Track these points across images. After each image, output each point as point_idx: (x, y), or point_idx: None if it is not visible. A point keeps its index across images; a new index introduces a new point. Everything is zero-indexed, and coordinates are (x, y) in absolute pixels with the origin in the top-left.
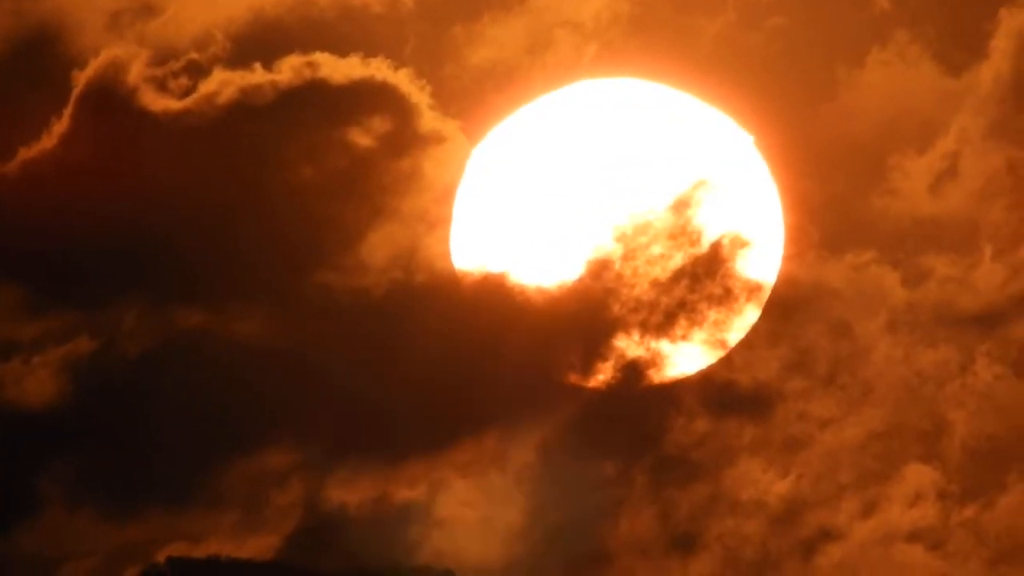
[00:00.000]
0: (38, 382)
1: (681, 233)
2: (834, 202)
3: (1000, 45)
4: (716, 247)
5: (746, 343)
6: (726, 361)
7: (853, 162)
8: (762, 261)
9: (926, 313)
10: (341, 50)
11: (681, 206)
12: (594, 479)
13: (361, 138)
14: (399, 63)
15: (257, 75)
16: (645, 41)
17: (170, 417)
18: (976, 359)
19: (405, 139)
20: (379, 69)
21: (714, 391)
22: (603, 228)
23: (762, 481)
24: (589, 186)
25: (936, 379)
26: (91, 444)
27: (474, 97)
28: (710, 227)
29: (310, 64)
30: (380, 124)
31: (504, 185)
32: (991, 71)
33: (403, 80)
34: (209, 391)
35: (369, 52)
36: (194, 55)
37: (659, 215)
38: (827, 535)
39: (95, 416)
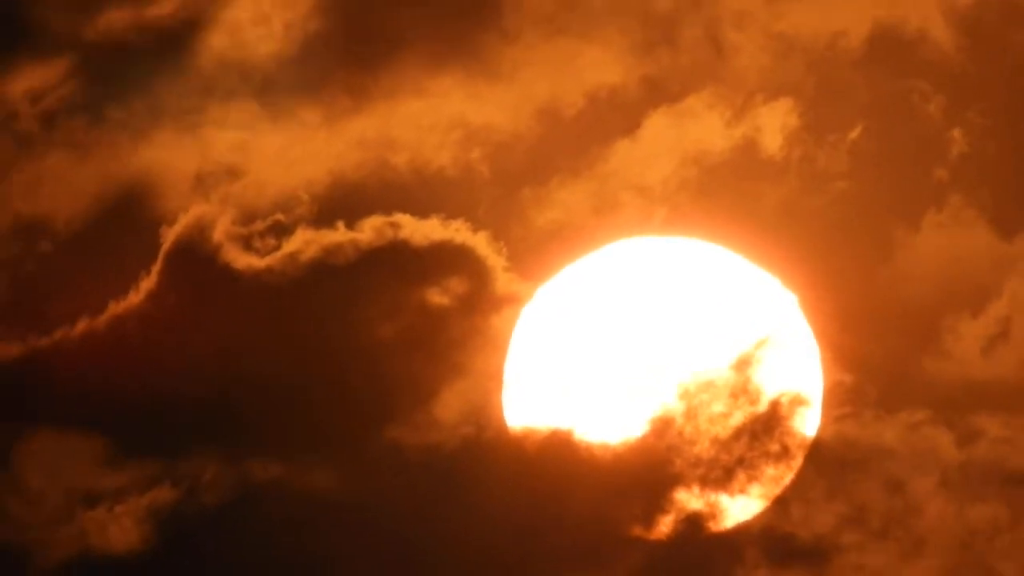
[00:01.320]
0: (121, 530)
1: (742, 392)
2: (890, 362)
3: None
4: (775, 405)
5: (803, 497)
6: (784, 514)
7: (908, 323)
8: (819, 419)
9: (977, 471)
10: (421, 212)
11: (742, 365)
12: None
13: (439, 298)
14: (477, 226)
15: (339, 234)
16: (711, 205)
17: (245, 562)
18: (1023, 515)
19: (481, 300)
20: (458, 231)
21: (773, 543)
22: (667, 386)
23: None
24: (650, 342)
25: (986, 534)
26: None
27: (545, 258)
28: (769, 386)
29: (392, 224)
30: (457, 284)
31: (566, 339)
32: None
33: (481, 242)
34: (282, 540)
35: (449, 214)
36: (279, 215)
37: (721, 373)
38: None
39: (175, 563)
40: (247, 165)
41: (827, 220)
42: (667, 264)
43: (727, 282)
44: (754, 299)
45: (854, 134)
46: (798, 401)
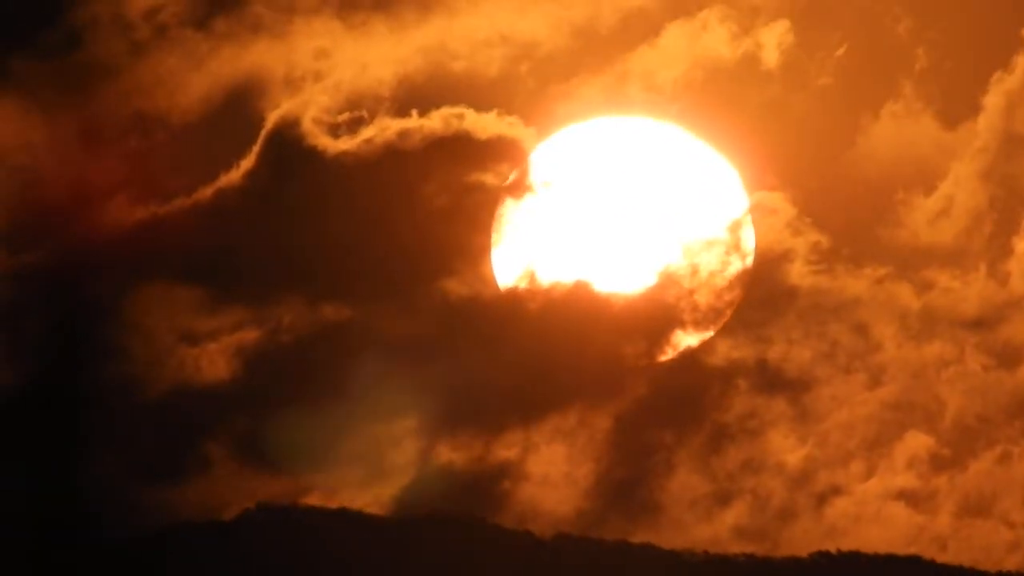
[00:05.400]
0: (214, 364)
1: (735, 250)
2: (858, 228)
3: (992, 102)
4: (763, 262)
5: (785, 337)
6: (769, 351)
7: (871, 197)
8: (799, 273)
9: (929, 316)
10: (481, 107)
11: (735, 228)
12: (655, 444)
13: (491, 179)
14: (527, 121)
15: (412, 122)
16: (712, 104)
17: (316, 393)
18: (967, 352)
19: (524, 183)
20: (511, 125)
21: (759, 375)
22: (673, 245)
23: (784, 447)
24: (655, 210)
25: (935, 367)
26: (253, 414)
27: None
28: (758, 246)
29: (457, 116)
30: (507, 169)
31: (587, 208)
32: (985, 124)
33: (529, 136)
34: (349, 373)
35: (506, 110)
36: (361, 111)
37: (718, 235)
38: (836, 490)
39: (257, 392)
40: (327, 69)
41: (805, 113)
42: (667, 146)
43: (717, 164)
44: (737, 182)
45: (840, 52)
46: (781, 258)
